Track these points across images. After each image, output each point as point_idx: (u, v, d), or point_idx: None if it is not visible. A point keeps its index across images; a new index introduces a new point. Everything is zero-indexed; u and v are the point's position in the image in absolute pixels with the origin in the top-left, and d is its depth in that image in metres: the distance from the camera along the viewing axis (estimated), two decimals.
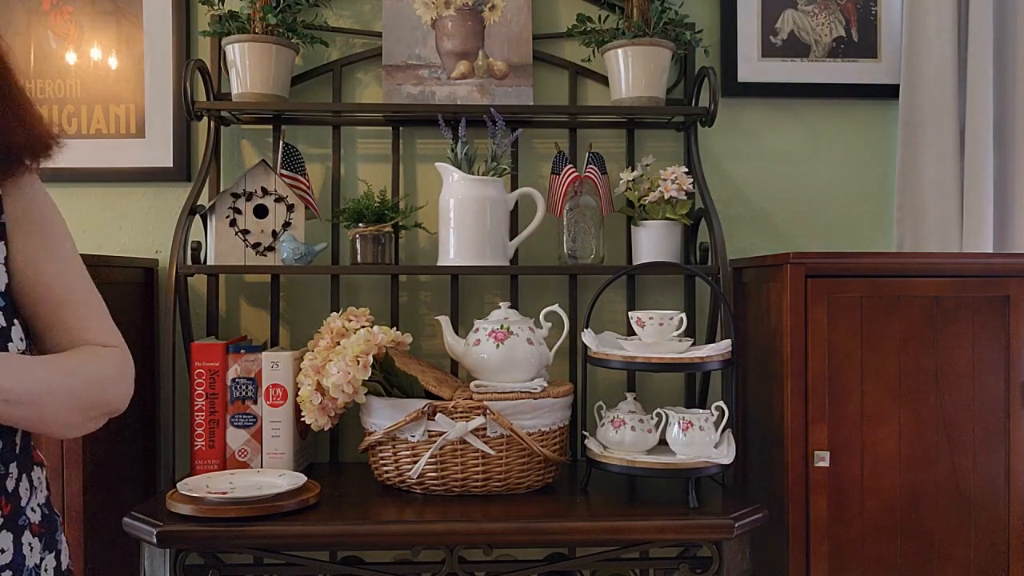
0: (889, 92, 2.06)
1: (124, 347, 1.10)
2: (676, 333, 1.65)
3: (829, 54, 2.08)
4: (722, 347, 1.64)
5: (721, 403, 1.64)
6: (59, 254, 1.07)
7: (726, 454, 1.59)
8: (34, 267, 1.04)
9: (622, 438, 1.61)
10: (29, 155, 1.03)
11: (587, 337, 1.69)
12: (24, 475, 1.03)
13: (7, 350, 0.97)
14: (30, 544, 1.02)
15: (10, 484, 1.00)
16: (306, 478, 1.60)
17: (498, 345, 1.66)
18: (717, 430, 1.61)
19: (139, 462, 1.91)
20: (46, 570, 1.05)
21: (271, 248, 1.84)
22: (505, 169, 1.87)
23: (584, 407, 1.77)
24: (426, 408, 1.58)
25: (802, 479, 1.62)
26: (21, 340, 1.01)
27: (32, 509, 1.04)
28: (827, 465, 1.61)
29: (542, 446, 1.63)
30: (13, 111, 1.01)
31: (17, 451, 1.02)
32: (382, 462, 1.66)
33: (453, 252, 1.82)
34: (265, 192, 1.84)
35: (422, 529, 1.47)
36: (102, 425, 1.06)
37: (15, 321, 1.01)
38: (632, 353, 1.63)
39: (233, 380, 1.74)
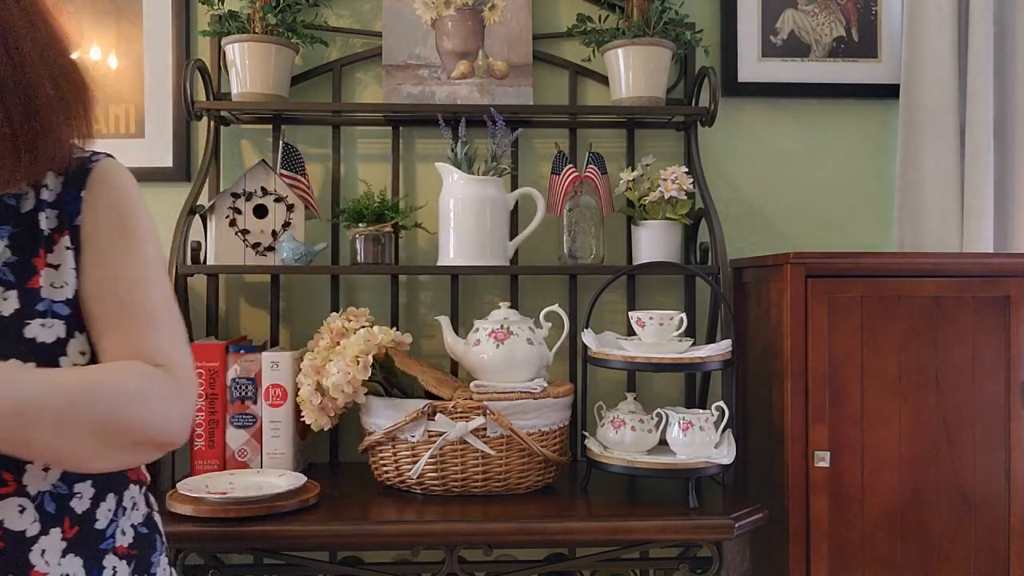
0: (889, 92, 2.06)
1: (184, 369, 0.94)
2: (676, 333, 1.65)
3: (829, 54, 2.08)
4: (722, 347, 1.64)
5: (721, 403, 1.64)
6: (134, 256, 0.95)
7: (726, 454, 1.59)
8: (104, 267, 0.93)
9: (622, 438, 1.61)
10: (64, 117, 0.91)
11: (587, 337, 1.69)
12: (108, 494, 0.97)
13: (58, 364, 0.89)
14: (114, 568, 0.96)
15: (79, 505, 0.93)
16: (306, 478, 1.60)
17: (498, 345, 1.66)
18: (717, 430, 1.61)
19: None
20: None
21: (271, 248, 1.84)
22: (505, 169, 1.87)
23: (584, 407, 1.76)
24: (426, 408, 1.58)
25: (802, 479, 1.62)
26: (81, 355, 0.91)
27: (122, 531, 0.98)
28: (827, 465, 1.61)
29: (542, 446, 1.63)
30: (40, 53, 0.89)
31: None
32: (382, 462, 1.66)
33: (453, 252, 1.82)
34: (265, 192, 1.84)
35: (422, 529, 1.47)
36: (152, 459, 0.92)
37: (76, 334, 0.92)
38: (632, 353, 1.63)
39: (233, 380, 1.74)
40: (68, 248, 0.93)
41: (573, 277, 1.99)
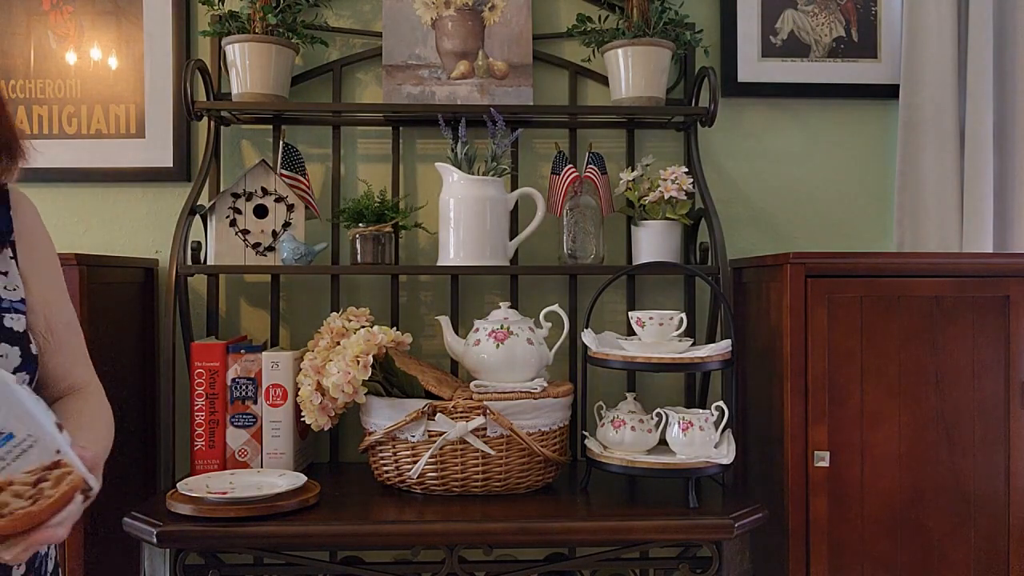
0: (889, 92, 2.06)
1: (97, 380, 1.15)
2: (676, 333, 1.65)
3: (829, 54, 2.08)
4: (722, 347, 1.64)
5: (721, 403, 1.64)
6: (59, 280, 1.13)
7: (726, 454, 1.59)
8: (46, 287, 1.09)
9: (622, 438, 1.61)
10: (7, 156, 1.05)
11: (587, 337, 1.69)
12: None
13: (28, 351, 1.02)
14: None
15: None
16: (306, 478, 1.60)
17: (498, 345, 1.66)
18: (717, 430, 1.61)
19: (139, 462, 1.91)
20: None
21: (271, 248, 1.84)
22: (505, 169, 1.87)
23: (584, 407, 1.76)
24: (426, 408, 1.58)
25: (802, 479, 1.62)
26: (30, 344, 1.04)
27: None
28: (827, 465, 1.61)
29: (542, 446, 1.63)
30: None
31: None
32: (382, 462, 1.66)
33: (453, 252, 1.82)
34: (265, 192, 1.84)
35: (422, 529, 1.47)
36: None
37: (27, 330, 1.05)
38: (632, 353, 1.63)
39: (233, 380, 1.74)
40: (11, 258, 1.07)
41: (573, 277, 1.99)
